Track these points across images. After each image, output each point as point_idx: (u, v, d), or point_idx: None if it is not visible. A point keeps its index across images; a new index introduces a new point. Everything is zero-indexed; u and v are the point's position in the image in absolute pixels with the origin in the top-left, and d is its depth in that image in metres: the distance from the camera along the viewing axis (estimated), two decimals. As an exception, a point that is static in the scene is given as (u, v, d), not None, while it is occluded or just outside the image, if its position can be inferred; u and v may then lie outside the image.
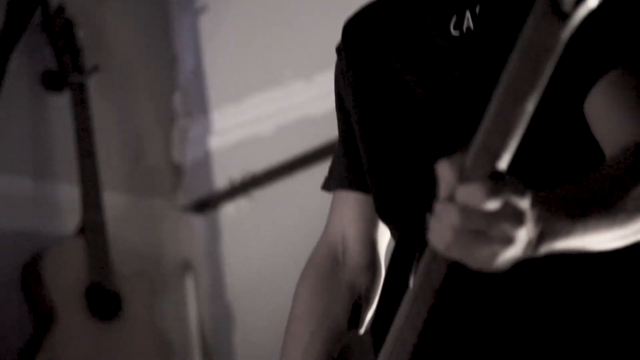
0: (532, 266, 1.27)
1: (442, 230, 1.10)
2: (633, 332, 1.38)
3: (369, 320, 1.53)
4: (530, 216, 1.12)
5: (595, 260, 1.35)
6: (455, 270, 1.17)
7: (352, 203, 1.65)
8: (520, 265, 1.21)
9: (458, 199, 1.08)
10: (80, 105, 3.47)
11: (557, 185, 1.22)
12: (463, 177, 1.09)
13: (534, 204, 1.12)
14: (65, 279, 3.40)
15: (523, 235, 1.11)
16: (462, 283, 1.24)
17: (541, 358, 1.37)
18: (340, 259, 1.66)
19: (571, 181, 1.25)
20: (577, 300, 1.39)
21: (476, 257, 1.11)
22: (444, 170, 1.10)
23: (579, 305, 1.39)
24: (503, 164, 1.08)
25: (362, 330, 1.60)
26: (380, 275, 1.66)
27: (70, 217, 3.51)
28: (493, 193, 1.06)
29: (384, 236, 1.67)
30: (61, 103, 3.54)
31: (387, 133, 1.53)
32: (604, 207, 1.22)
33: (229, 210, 3.75)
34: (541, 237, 1.15)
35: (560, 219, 1.16)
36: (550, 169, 1.38)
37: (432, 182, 1.15)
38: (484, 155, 1.08)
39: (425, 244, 1.21)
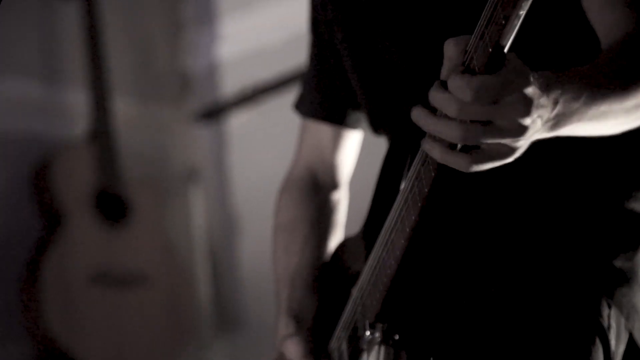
0: (521, 174, 1.30)
1: (447, 124, 1.10)
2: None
3: (361, 225, 1.57)
4: (543, 99, 1.12)
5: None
6: (445, 175, 1.19)
7: (324, 132, 1.69)
8: (509, 174, 1.24)
9: (450, 89, 1.09)
10: (90, 11, 3.47)
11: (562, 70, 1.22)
12: (465, 58, 1.10)
13: (549, 85, 1.13)
14: (75, 183, 3.44)
15: (532, 122, 1.11)
16: (451, 189, 1.26)
17: (527, 258, 1.41)
18: (319, 179, 1.71)
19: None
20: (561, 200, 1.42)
21: (492, 153, 1.11)
22: (449, 49, 1.12)
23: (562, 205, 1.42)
24: (505, 46, 1.08)
25: (330, 250, 1.65)
26: (345, 200, 1.71)
27: (79, 121, 3.54)
28: (475, 88, 1.07)
29: (351, 164, 1.72)
30: (72, 9, 3.54)
31: (378, 46, 1.53)
32: (615, 91, 1.22)
33: (236, 120, 3.77)
34: (558, 117, 1.15)
35: (576, 101, 1.16)
36: (551, 61, 1.37)
37: (425, 90, 1.17)
38: (485, 39, 1.08)
39: (416, 148, 1.24)
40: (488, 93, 1.08)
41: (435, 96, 1.12)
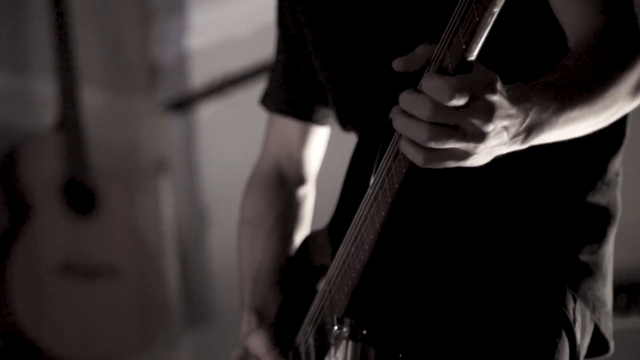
0: (487, 170, 1.30)
1: (416, 125, 1.11)
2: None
3: (328, 220, 1.57)
4: (512, 111, 1.13)
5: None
6: (416, 171, 1.19)
7: (291, 128, 1.69)
8: (476, 171, 1.25)
9: (425, 90, 1.09)
10: (58, 0, 3.45)
11: (530, 77, 1.23)
12: (432, 65, 1.11)
13: (518, 98, 1.13)
14: (43, 174, 3.43)
15: (493, 131, 1.12)
16: (421, 185, 1.27)
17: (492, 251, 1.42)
18: (285, 174, 1.71)
19: (542, 72, 1.26)
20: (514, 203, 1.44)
21: (451, 155, 1.13)
22: (420, 48, 1.13)
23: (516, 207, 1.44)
24: (472, 54, 1.09)
25: (297, 244, 1.66)
26: (312, 195, 1.72)
27: (47, 111, 3.52)
28: (457, 88, 1.07)
29: (318, 159, 1.72)
30: (40, -2, 3.53)
31: (347, 40, 1.53)
32: (583, 95, 1.23)
33: (206, 111, 3.76)
34: (529, 129, 1.16)
35: (545, 111, 1.17)
36: (519, 61, 1.40)
37: (394, 86, 1.17)
38: (452, 45, 1.09)
39: (386, 143, 1.24)
40: (466, 93, 1.08)
41: (408, 98, 1.12)
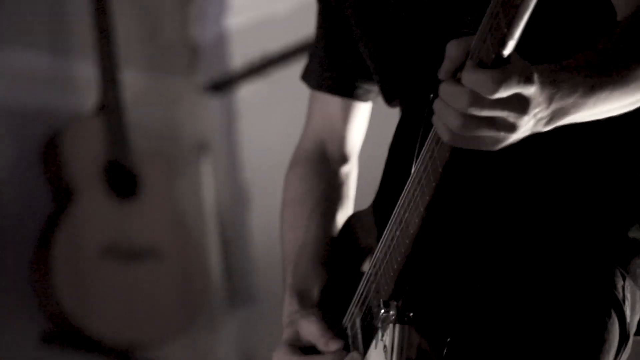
0: (534, 151, 1.28)
1: (450, 113, 1.13)
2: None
3: (373, 198, 1.55)
4: (540, 98, 1.13)
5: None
6: (460, 154, 1.20)
7: (333, 105, 1.67)
8: (522, 152, 1.23)
9: (467, 83, 1.11)
10: (98, -17, 3.46)
11: (569, 54, 1.22)
12: (470, 57, 1.11)
13: (544, 84, 1.14)
14: (85, 157, 3.44)
15: (525, 122, 1.14)
16: (466, 168, 1.26)
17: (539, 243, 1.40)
18: (328, 152, 1.68)
19: (582, 48, 1.25)
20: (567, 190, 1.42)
21: (480, 142, 1.16)
22: (451, 50, 1.14)
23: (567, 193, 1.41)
24: (509, 47, 1.09)
25: (341, 223, 1.64)
26: (355, 172, 1.71)
27: (88, 94, 3.52)
28: (501, 83, 1.09)
29: (361, 136, 1.71)
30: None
31: (389, 12, 1.51)
32: (617, 75, 1.22)
33: (246, 91, 3.75)
34: (552, 115, 1.17)
35: (571, 95, 1.17)
36: (560, 41, 1.38)
37: (437, 61, 1.16)
38: (491, 37, 1.08)
39: (428, 125, 1.22)
40: (509, 86, 1.10)
41: (447, 90, 1.14)
